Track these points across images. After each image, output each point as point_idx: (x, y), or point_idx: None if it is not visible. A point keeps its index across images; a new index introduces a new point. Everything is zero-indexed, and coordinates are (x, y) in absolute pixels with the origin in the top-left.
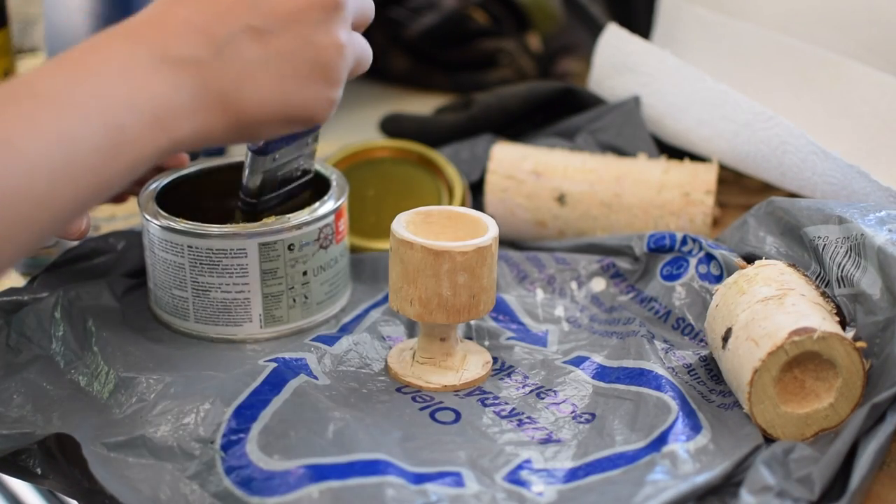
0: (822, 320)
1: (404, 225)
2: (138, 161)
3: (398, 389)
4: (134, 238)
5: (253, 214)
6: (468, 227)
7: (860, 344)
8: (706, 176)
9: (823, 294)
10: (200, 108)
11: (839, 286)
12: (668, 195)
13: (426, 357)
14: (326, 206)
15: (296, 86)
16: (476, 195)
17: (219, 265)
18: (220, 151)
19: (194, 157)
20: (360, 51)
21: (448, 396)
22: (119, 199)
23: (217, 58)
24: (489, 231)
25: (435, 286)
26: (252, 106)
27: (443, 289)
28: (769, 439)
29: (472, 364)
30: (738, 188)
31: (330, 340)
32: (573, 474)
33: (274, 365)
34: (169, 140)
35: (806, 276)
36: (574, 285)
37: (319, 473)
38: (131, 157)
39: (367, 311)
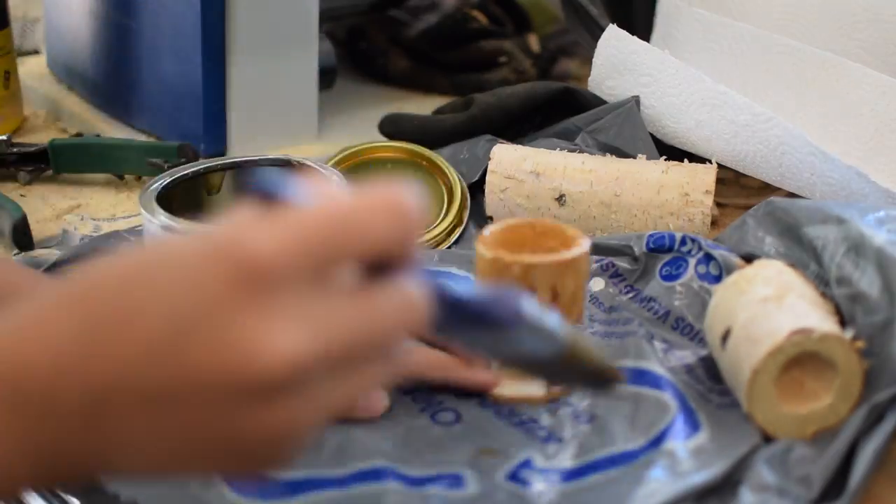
0: (821, 320)
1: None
2: None
3: (398, 390)
4: (134, 238)
5: None
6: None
7: (859, 344)
8: (705, 176)
9: (823, 294)
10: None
11: (838, 286)
12: (668, 195)
13: None
14: None
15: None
16: (476, 195)
17: None
18: (220, 152)
19: (194, 157)
20: (331, 407)
21: (448, 397)
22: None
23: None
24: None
25: None
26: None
27: None
28: (768, 439)
29: None
30: (738, 188)
31: None
32: (573, 474)
33: None
34: None
35: (805, 276)
36: None
37: (318, 483)
38: None
39: None
